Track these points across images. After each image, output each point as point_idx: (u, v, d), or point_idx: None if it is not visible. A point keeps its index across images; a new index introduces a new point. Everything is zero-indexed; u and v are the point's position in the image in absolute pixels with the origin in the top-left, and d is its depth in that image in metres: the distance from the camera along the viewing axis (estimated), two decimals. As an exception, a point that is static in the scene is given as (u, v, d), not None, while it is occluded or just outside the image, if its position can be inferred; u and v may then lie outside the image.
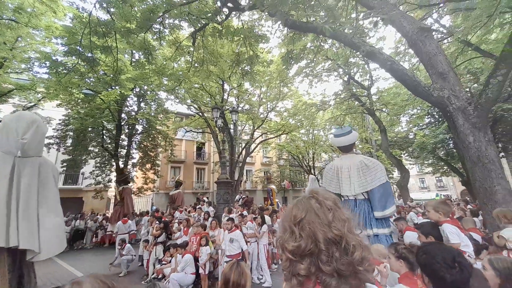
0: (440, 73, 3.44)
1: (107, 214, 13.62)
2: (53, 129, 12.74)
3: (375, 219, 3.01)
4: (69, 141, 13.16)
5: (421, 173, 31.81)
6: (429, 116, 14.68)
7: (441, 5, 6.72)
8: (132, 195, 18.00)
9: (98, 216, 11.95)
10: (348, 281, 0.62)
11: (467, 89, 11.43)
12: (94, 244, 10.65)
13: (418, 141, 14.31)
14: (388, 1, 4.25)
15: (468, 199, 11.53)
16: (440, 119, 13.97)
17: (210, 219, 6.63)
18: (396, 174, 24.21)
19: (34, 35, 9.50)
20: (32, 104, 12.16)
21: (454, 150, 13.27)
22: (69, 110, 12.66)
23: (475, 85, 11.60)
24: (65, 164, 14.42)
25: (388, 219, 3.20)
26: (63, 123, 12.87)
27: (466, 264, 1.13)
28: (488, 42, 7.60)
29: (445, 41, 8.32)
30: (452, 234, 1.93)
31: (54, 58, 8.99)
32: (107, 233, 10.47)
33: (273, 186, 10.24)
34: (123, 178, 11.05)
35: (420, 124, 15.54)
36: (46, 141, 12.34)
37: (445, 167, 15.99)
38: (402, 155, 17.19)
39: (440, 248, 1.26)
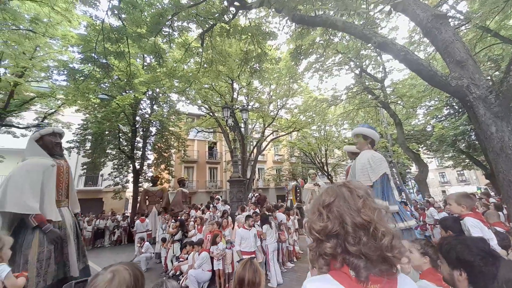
0: (458, 61, 3.28)
1: (126, 214, 14.13)
2: (72, 133, 13.35)
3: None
4: (88, 145, 13.74)
5: (441, 167, 30.48)
6: (448, 107, 14.02)
7: (458, -11, 6.39)
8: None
9: (117, 216, 12.42)
10: (377, 265, 0.63)
11: (488, 77, 10.79)
12: (111, 243, 11.08)
13: (436, 134, 13.69)
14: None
15: (491, 193, 10.93)
16: (460, 110, 13.32)
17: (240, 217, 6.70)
18: (414, 168, 23.38)
19: (51, 44, 9.96)
20: (53, 110, 12.79)
21: (476, 142, 12.61)
22: (87, 115, 13.22)
23: (497, 72, 10.94)
24: (85, 166, 15.11)
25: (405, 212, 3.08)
26: (82, 128, 13.46)
27: (497, 255, 1.11)
28: (507, 28, 7.15)
29: (463, 27, 7.90)
30: (474, 228, 1.85)
31: (71, 65, 9.40)
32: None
33: (300, 180, 10.24)
34: (156, 180, 10.93)
35: (439, 116, 14.88)
36: (67, 145, 13.00)
37: (467, 160, 15.23)
38: (419, 149, 16.52)
39: (472, 240, 1.22)
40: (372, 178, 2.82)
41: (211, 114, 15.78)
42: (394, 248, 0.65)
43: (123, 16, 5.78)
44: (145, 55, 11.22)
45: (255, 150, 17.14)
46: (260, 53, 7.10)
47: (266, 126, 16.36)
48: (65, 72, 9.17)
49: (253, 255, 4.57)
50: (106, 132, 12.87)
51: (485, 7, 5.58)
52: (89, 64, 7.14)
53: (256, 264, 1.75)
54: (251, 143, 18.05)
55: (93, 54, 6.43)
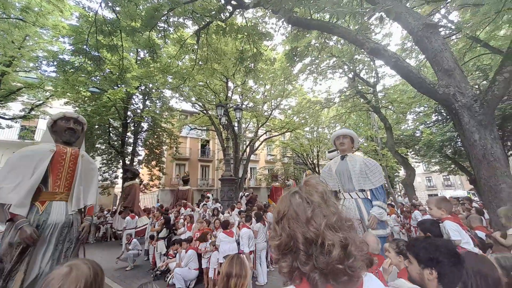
0: (446, 70, 3.39)
1: (112, 210, 13.79)
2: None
3: None
4: (77, 138, 13.40)
5: (428, 172, 31.34)
6: (437, 113, 14.43)
7: (449, 0, 6.59)
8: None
9: (105, 212, 12.18)
10: (335, 277, 0.60)
11: (476, 86, 11.18)
12: (96, 239, 10.78)
13: (424, 139, 14.09)
14: (393, -3, 4.18)
15: (475, 198, 11.33)
16: (447, 117, 13.72)
17: (221, 216, 6.68)
18: (402, 172, 23.90)
19: (41, 34, 9.66)
20: (41, 102, 12.41)
21: (462, 148, 13.03)
22: (77, 108, 12.89)
23: (484, 82, 11.34)
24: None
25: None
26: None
27: (462, 257, 1.18)
28: (497, 39, 7.42)
29: (453, 37, 8.16)
30: (453, 231, 1.92)
31: (61, 57, 9.15)
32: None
33: (292, 181, 10.24)
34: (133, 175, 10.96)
35: (427, 122, 15.28)
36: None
37: (453, 166, 15.73)
38: (408, 153, 16.96)
39: (442, 241, 1.28)
40: (374, 182, 2.92)
41: (204, 112, 15.68)
42: (349, 257, 0.61)
43: (117, 8, 5.68)
44: (139, 50, 11.03)
45: (247, 149, 17.15)
46: (256, 53, 7.12)
47: (259, 125, 16.39)
48: (55, 63, 8.91)
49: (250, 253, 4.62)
50: (96, 126, 12.60)
51: (476, 18, 5.77)
52: (80, 56, 6.97)
53: (242, 258, 1.76)
54: (244, 142, 18.05)
55: (84, 46, 6.28)
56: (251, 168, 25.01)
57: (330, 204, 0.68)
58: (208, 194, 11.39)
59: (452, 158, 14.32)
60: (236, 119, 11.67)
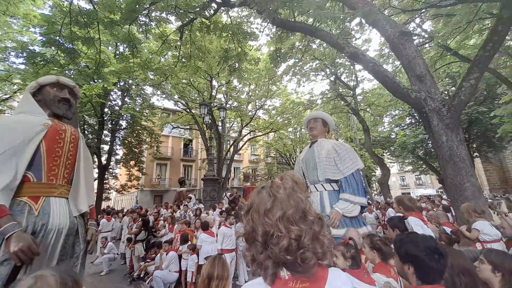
0: (418, 75, 3.62)
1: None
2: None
3: None
4: (47, 136, 12.53)
5: (401, 171, 33.15)
6: (410, 117, 15.32)
7: (423, 10, 7.02)
8: (115, 192, 17.46)
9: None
10: (293, 268, 0.64)
11: (446, 92, 12.02)
12: None
13: (399, 141, 14.93)
14: (372, 4, 4.38)
15: (443, 196, 12.16)
16: (420, 120, 14.60)
17: (204, 216, 6.56)
18: (378, 172, 25.07)
19: (11, 23, 8.93)
20: (7, 96, 11.46)
21: (432, 150, 13.95)
22: (48, 103, 12.06)
23: (453, 88, 12.22)
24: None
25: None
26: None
27: (444, 252, 1.20)
28: (466, 48, 8.04)
29: (426, 45, 8.71)
30: (417, 226, 2.05)
31: (31, 48, 8.50)
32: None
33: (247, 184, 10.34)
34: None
35: (402, 125, 16.19)
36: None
37: (424, 166, 16.79)
38: (384, 154, 17.85)
39: (422, 238, 1.33)
40: (343, 170, 2.38)
41: (188, 110, 15.36)
42: (299, 249, 0.62)
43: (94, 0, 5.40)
44: (118, 44, 10.55)
45: (231, 149, 17.06)
46: (240, 52, 7.10)
47: (243, 125, 16.37)
48: (24, 55, 8.26)
49: (234, 253, 4.59)
50: (69, 123, 11.86)
51: (448, 27, 6.21)
52: (52, 48, 6.52)
53: (224, 259, 1.75)
54: (228, 142, 17.93)
55: (57, 37, 5.89)
56: (234, 168, 24.90)
57: (293, 198, 0.69)
58: (190, 195, 11.17)
59: (423, 158, 15.29)
60: (220, 119, 11.56)
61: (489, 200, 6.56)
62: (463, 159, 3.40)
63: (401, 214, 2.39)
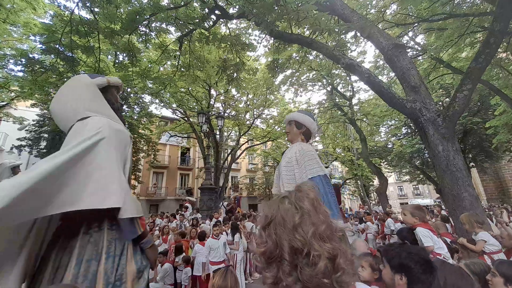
0: (413, 86, 3.69)
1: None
2: (25, 130, 12.00)
3: None
4: (43, 143, 12.42)
5: (399, 181, 33.17)
6: (406, 127, 15.50)
7: (416, 24, 7.25)
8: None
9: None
10: None
11: (440, 103, 12.24)
12: None
13: (396, 151, 15.02)
14: (366, 18, 4.52)
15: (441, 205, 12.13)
16: (416, 130, 14.77)
17: (202, 225, 6.44)
18: (376, 181, 25.09)
19: (11, 31, 9.03)
20: (4, 103, 11.42)
21: (429, 159, 14.04)
22: (45, 111, 12.03)
23: (447, 99, 12.47)
24: (37, 167, 13.56)
25: None
26: (37, 124, 12.18)
27: (435, 266, 1.21)
28: (458, 60, 8.27)
29: (420, 57, 8.94)
30: (425, 237, 2.00)
31: (31, 55, 8.56)
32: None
33: (235, 194, 10.26)
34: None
35: (398, 134, 16.35)
36: (17, 143, 11.57)
37: (421, 176, 16.84)
38: (381, 164, 17.90)
39: (416, 249, 1.32)
40: (298, 179, 1.99)
41: (186, 119, 15.41)
42: (335, 271, 0.56)
43: (95, 9, 5.49)
44: (118, 53, 10.69)
45: (229, 158, 17.02)
46: (239, 62, 7.21)
47: (241, 134, 16.42)
48: (23, 62, 8.31)
49: (224, 264, 4.46)
50: (66, 131, 11.80)
51: (440, 41, 6.40)
52: (52, 56, 6.58)
53: (234, 272, 1.64)
54: (226, 151, 17.91)
55: (57, 46, 5.95)
56: (232, 177, 24.72)
57: (321, 211, 0.64)
58: (187, 204, 11.03)
59: (420, 168, 15.35)
60: (217, 127, 11.59)
61: (487, 211, 6.54)
62: (460, 168, 3.42)
63: (399, 224, 2.34)
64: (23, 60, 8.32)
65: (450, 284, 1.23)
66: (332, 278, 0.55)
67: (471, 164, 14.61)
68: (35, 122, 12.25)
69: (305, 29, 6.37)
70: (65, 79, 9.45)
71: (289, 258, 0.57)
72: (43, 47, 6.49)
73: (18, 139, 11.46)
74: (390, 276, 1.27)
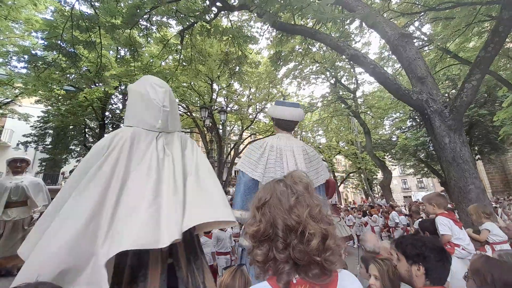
0: (419, 77, 3.61)
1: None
2: (31, 126, 12.12)
3: None
4: (49, 140, 12.57)
5: (403, 174, 33.01)
6: (411, 119, 15.31)
7: (422, 13, 7.06)
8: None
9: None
10: (308, 270, 0.60)
11: (446, 95, 12.02)
12: None
13: (400, 144, 14.87)
14: (371, 7, 4.41)
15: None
16: (421, 123, 14.59)
17: None
18: (380, 175, 25.03)
19: (13, 28, 9.02)
20: (9, 100, 11.52)
21: (434, 152, 13.89)
22: (49, 107, 12.11)
23: (453, 90, 12.24)
24: (44, 163, 13.77)
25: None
26: (42, 120, 12.28)
27: (447, 252, 1.20)
28: (466, 50, 8.05)
29: (426, 48, 8.73)
30: (443, 226, 1.93)
31: (33, 52, 8.57)
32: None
33: None
34: None
35: (403, 127, 16.16)
36: (23, 139, 11.71)
37: (426, 169, 16.71)
38: (385, 157, 17.79)
39: (430, 239, 1.31)
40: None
41: (188, 113, 15.40)
42: (327, 250, 0.60)
43: (96, 4, 5.44)
44: (119, 48, 10.64)
45: (232, 152, 17.04)
46: (241, 55, 7.13)
47: (244, 128, 16.38)
48: (26, 59, 8.34)
49: (229, 256, 4.54)
50: (70, 127, 11.92)
51: (447, 30, 6.22)
52: (54, 52, 6.57)
53: (245, 272, 1.54)
54: (229, 145, 17.93)
55: (59, 41, 5.93)
56: (235, 171, 24.83)
57: (313, 196, 0.68)
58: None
59: (425, 161, 15.21)
60: (220, 122, 11.57)
61: (494, 204, 6.46)
62: (467, 160, 3.36)
63: (403, 217, 2.31)
64: (26, 56, 8.35)
65: (498, 279, 1.16)
66: (322, 256, 0.60)
67: (477, 156, 14.43)
68: (39, 119, 12.37)
69: (308, 20, 6.24)
70: (68, 75, 9.49)
71: (283, 235, 0.61)
72: (45, 43, 6.49)
73: (23, 135, 11.59)
74: (406, 268, 1.25)
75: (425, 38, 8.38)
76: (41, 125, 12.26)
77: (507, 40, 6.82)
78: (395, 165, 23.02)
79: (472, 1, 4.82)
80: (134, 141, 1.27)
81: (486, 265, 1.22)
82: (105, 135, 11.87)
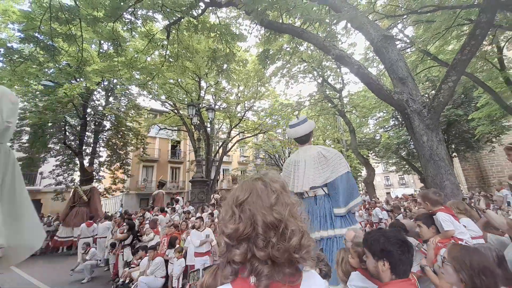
0: (400, 78, 3.75)
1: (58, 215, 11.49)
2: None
3: (340, 217, 2.61)
4: (25, 137, 11.90)
5: (386, 171, 34.19)
6: (394, 119, 15.87)
7: (405, 16, 7.31)
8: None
9: (50, 218, 10.94)
10: (282, 269, 0.60)
11: (426, 95, 12.56)
12: (43, 251, 9.00)
13: (383, 142, 15.42)
14: (357, 8, 4.52)
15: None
16: (403, 122, 15.16)
17: (193, 218, 6.42)
18: (364, 172, 25.80)
19: (-12, 20, 8.46)
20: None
21: (414, 150, 14.50)
22: (25, 103, 11.45)
23: (433, 91, 12.79)
24: (20, 162, 13.02)
25: (353, 216, 2.85)
26: (18, 117, 11.60)
27: (411, 244, 1.24)
28: (445, 53, 8.45)
29: (408, 50, 9.07)
30: (446, 222, 1.96)
31: (9, 45, 8.06)
32: (60, 238, 9.20)
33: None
34: (89, 177, 10.50)
35: (386, 126, 16.74)
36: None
37: (407, 166, 17.42)
38: (369, 155, 18.36)
39: (391, 232, 1.34)
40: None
41: (175, 111, 15.11)
42: (303, 248, 0.61)
43: (76, -5, 5.20)
44: (102, 41, 10.23)
45: (220, 151, 16.94)
46: (229, 53, 7.07)
47: (232, 127, 16.31)
48: (1, 52, 7.82)
49: (208, 256, 4.53)
50: (49, 124, 11.32)
51: (428, 33, 6.49)
52: (31, 45, 6.22)
53: None
54: (217, 143, 17.79)
55: (36, 34, 5.62)
56: (223, 170, 24.69)
57: (289, 195, 0.69)
58: (178, 197, 10.97)
59: (406, 159, 15.86)
60: (208, 120, 11.45)
61: (466, 197, 6.84)
62: (443, 158, 3.55)
63: (385, 213, 2.38)
64: (1, 49, 7.83)
65: (476, 265, 1.19)
66: (299, 254, 0.61)
67: (454, 154, 15.22)
68: (15, 115, 11.67)
69: (296, 19, 6.29)
70: (46, 69, 9.02)
71: (263, 233, 0.60)
72: (22, 35, 6.12)
73: (-3, 132, 10.91)
74: (373, 264, 1.27)
75: (407, 40, 8.70)
76: (16, 122, 11.58)
77: (484, 43, 7.24)
78: (378, 163, 23.83)
79: (453, 5, 5.06)
80: None
81: (464, 251, 1.27)
82: (87, 133, 11.39)
